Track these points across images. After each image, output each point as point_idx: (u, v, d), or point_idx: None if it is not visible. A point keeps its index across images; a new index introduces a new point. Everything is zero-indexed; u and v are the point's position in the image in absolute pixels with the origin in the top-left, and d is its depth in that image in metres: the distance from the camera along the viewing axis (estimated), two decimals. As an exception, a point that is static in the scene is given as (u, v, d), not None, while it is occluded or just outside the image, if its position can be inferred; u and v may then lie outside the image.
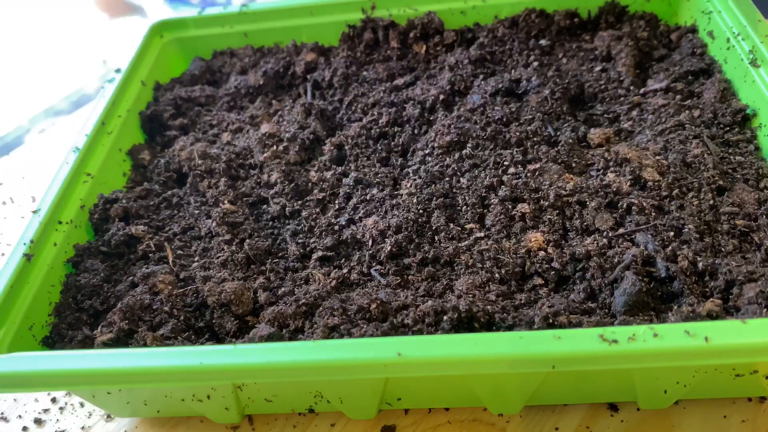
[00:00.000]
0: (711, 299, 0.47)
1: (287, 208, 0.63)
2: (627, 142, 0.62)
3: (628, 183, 0.56)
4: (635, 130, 0.63)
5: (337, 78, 0.77)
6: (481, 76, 0.73)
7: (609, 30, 0.77)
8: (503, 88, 0.69)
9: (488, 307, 0.48)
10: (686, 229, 0.52)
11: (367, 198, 0.62)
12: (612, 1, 0.79)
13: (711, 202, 0.54)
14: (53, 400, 0.59)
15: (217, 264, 0.58)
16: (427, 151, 0.65)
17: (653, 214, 0.54)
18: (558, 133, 0.64)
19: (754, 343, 0.39)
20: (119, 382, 0.47)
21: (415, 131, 0.69)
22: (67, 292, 0.57)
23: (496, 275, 0.53)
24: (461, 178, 0.61)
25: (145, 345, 0.51)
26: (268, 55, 0.84)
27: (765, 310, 0.44)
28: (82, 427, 0.57)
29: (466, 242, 0.56)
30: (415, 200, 0.59)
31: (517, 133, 0.64)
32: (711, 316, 0.45)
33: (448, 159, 0.63)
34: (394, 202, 0.61)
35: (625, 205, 0.55)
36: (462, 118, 0.66)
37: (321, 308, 0.51)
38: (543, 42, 0.77)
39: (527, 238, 0.55)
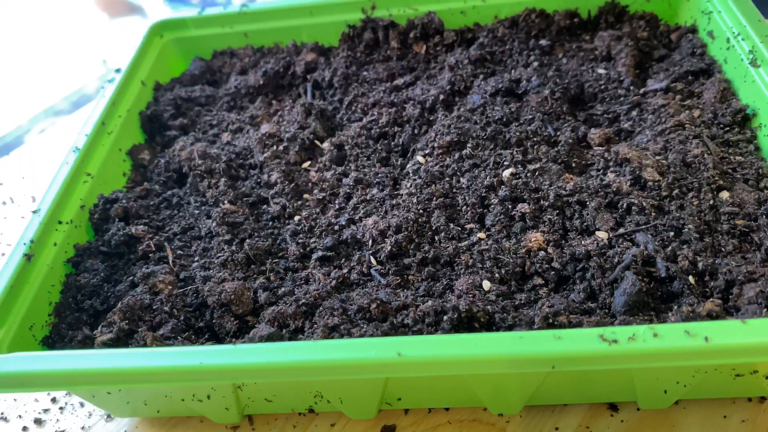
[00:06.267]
0: (711, 299, 0.47)
1: (287, 208, 0.63)
2: (627, 142, 0.62)
3: (628, 183, 0.56)
4: (635, 130, 0.63)
5: (337, 78, 0.77)
6: (481, 76, 0.73)
7: (609, 30, 0.77)
8: (503, 88, 0.69)
9: (488, 307, 0.48)
10: (686, 229, 0.52)
11: (367, 198, 0.62)
12: (612, 1, 0.79)
13: (711, 202, 0.54)
14: (53, 400, 0.59)
15: (217, 264, 0.58)
16: (427, 151, 0.65)
17: (653, 214, 0.54)
18: (558, 133, 0.64)
19: (754, 343, 0.39)
20: (119, 382, 0.47)
21: (415, 131, 0.69)
22: (67, 292, 0.57)
23: (496, 275, 0.53)
24: (461, 178, 0.61)
25: (145, 345, 0.51)
26: (268, 55, 0.84)
27: (765, 310, 0.44)
28: (82, 427, 0.57)
29: (466, 242, 0.56)
30: (415, 200, 0.59)
31: (517, 133, 0.64)
32: (711, 316, 0.45)
33: (448, 159, 0.63)
34: (394, 202, 0.61)
35: (625, 205, 0.55)
36: (462, 118, 0.66)
37: (321, 308, 0.51)
38: (543, 42, 0.77)
39: (527, 238, 0.55)
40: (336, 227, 0.60)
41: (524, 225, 0.56)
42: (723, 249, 0.51)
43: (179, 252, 0.60)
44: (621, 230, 0.54)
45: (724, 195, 0.54)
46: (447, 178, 0.61)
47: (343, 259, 0.57)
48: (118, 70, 0.77)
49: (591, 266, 0.51)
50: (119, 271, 0.60)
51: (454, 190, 0.60)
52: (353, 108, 0.74)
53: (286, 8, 0.84)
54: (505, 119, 0.66)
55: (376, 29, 0.81)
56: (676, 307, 0.47)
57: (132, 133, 0.75)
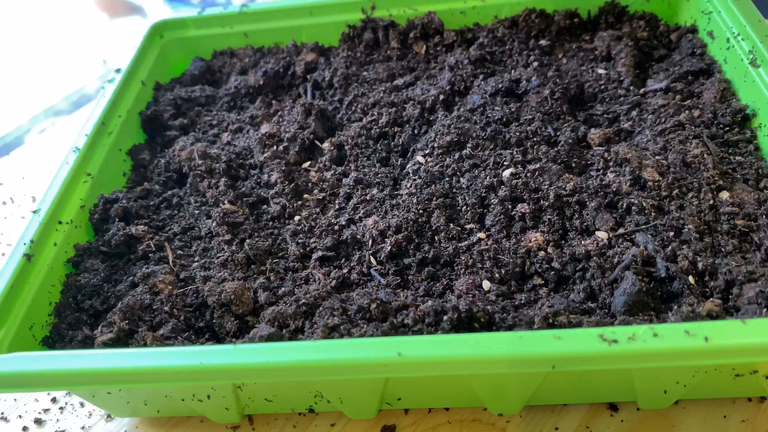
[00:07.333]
0: (711, 299, 0.47)
1: (287, 209, 0.63)
2: (627, 142, 0.62)
3: (628, 183, 0.56)
4: (635, 130, 0.63)
5: (337, 78, 0.77)
6: (481, 76, 0.73)
7: (609, 30, 0.77)
8: (503, 88, 0.69)
9: (488, 307, 0.48)
10: (686, 229, 0.52)
11: (367, 198, 0.62)
12: (612, 1, 0.79)
13: (711, 202, 0.54)
14: (53, 400, 0.59)
15: (217, 264, 0.58)
16: (427, 151, 0.65)
17: (653, 214, 0.54)
18: (558, 133, 0.64)
19: (754, 343, 0.39)
20: (119, 382, 0.47)
21: (415, 131, 0.69)
22: (67, 292, 0.57)
23: (496, 275, 0.53)
24: (461, 178, 0.61)
25: (145, 345, 0.51)
26: (268, 55, 0.85)
27: (765, 310, 0.44)
28: (82, 427, 0.57)
29: (466, 242, 0.56)
30: (415, 200, 0.59)
31: (517, 133, 0.64)
32: (711, 316, 0.45)
33: (448, 159, 0.63)
34: (394, 202, 0.61)
35: (625, 205, 0.55)
36: (462, 118, 0.66)
37: (321, 308, 0.51)
38: (543, 42, 0.77)
39: (527, 238, 0.55)
40: (336, 227, 0.60)
41: (524, 225, 0.56)
42: (723, 249, 0.51)
43: (179, 252, 0.60)
44: (621, 230, 0.54)
45: (724, 195, 0.54)
46: (447, 178, 0.61)
47: (343, 259, 0.57)
48: (118, 70, 0.77)
49: (591, 266, 0.51)
50: (119, 271, 0.60)
51: (454, 190, 0.60)
52: (353, 108, 0.74)
53: (286, 8, 0.84)
54: (505, 119, 0.66)
55: (376, 29, 0.82)
56: (676, 307, 0.47)
57: (132, 133, 0.75)
